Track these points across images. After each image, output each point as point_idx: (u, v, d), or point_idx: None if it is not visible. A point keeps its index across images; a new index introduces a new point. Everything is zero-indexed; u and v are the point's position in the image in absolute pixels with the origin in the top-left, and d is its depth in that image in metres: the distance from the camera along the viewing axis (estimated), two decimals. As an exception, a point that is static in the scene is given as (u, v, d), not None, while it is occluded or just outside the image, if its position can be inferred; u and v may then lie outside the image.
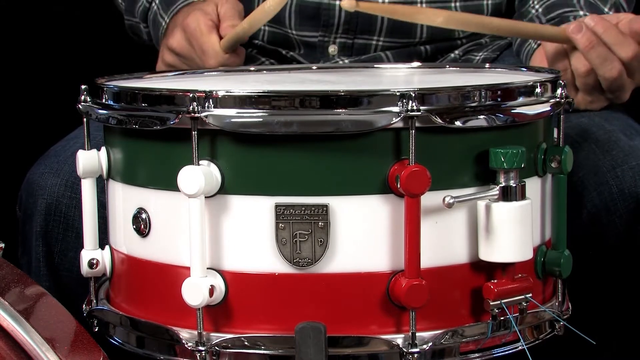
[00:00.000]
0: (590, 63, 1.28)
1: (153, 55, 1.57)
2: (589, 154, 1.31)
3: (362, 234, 0.97)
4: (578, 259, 1.09)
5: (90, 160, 1.08)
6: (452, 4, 1.54)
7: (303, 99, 0.95)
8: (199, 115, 0.95)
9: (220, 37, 1.42)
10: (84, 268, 1.10)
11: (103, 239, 1.11)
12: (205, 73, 1.30)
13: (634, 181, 1.27)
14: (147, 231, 1.03)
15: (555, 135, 1.07)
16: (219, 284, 0.98)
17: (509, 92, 1.00)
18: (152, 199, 1.03)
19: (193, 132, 0.96)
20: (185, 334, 0.99)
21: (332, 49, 1.55)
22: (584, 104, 1.35)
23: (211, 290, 0.97)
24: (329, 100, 0.94)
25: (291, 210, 0.96)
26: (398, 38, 1.54)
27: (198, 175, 0.95)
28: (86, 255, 1.10)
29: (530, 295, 1.01)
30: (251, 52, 1.61)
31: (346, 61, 1.55)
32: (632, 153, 1.29)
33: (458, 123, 0.96)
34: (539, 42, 1.41)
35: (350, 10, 1.19)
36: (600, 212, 1.29)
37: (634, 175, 1.27)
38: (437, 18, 1.23)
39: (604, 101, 1.35)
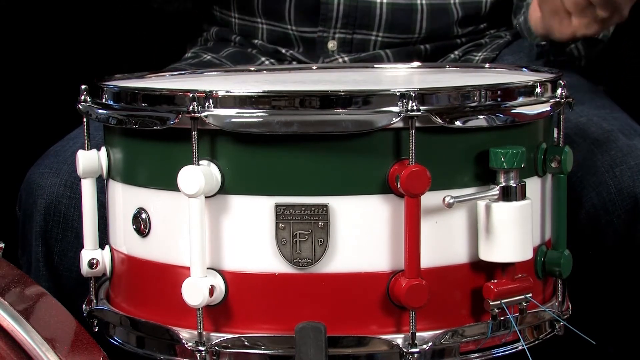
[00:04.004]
0: None
1: (153, 55, 1.57)
2: (587, 154, 1.31)
3: (362, 234, 0.97)
4: (577, 258, 1.09)
5: (90, 160, 1.08)
6: (451, 1, 1.54)
7: (303, 99, 0.95)
8: (199, 115, 0.95)
9: None
10: (84, 268, 1.10)
11: (103, 239, 1.11)
12: (205, 73, 1.30)
13: (632, 181, 1.27)
14: (147, 231, 1.03)
15: (555, 135, 1.07)
16: (219, 284, 0.98)
17: (509, 92, 1.00)
18: (152, 199, 1.03)
19: (193, 132, 0.96)
20: (185, 334, 0.99)
21: (332, 45, 1.55)
22: (581, 29, 1.29)
23: (211, 290, 0.97)
24: (329, 100, 0.94)
25: (291, 210, 0.96)
26: (397, 34, 1.54)
27: (198, 175, 0.95)
28: (86, 255, 1.10)
29: (530, 295, 1.01)
30: (251, 51, 1.61)
31: (346, 58, 1.55)
32: (631, 153, 1.29)
33: (458, 123, 0.96)
34: None
35: None
36: (598, 212, 1.29)
37: (633, 175, 1.27)
38: None
39: (599, 23, 1.28)
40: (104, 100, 1.05)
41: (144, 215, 1.03)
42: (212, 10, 1.67)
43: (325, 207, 0.96)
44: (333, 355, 0.95)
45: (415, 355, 0.96)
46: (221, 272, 0.98)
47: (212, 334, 0.99)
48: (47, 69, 1.95)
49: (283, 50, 1.59)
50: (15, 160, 1.54)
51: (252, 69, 1.35)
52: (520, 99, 1.01)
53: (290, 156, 0.96)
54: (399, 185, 0.94)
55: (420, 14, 1.53)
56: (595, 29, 1.30)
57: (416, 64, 1.36)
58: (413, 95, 0.94)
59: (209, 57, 1.61)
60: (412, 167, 0.94)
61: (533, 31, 1.39)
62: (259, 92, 0.96)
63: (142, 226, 1.03)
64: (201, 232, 0.96)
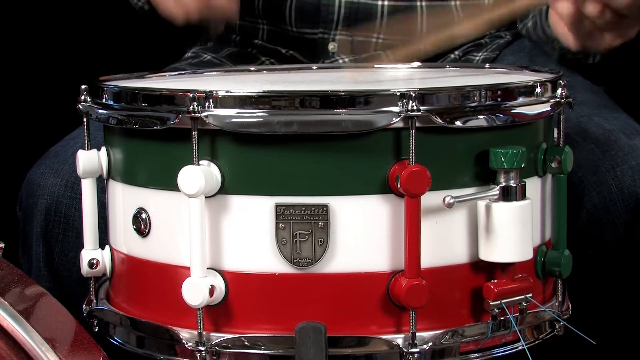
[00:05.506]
0: (603, 1, 1.21)
1: (153, 55, 1.57)
2: (589, 154, 1.31)
3: (362, 234, 0.97)
4: (578, 259, 1.09)
5: (90, 160, 1.08)
6: (452, 2, 1.54)
7: (303, 99, 0.95)
8: (199, 115, 0.95)
9: None
10: (84, 268, 1.10)
11: (103, 239, 1.11)
12: (205, 73, 1.30)
13: (634, 181, 1.27)
14: (147, 231, 1.03)
15: (555, 135, 1.07)
16: (219, 284, 0.98)
17: (509, 92, 1.00)
18: (152, 199, 1.03)
19: (193, 132, 0.96)
20: (185, 334, 0.99)
21: (332, 46, 1.55)
22: (617, 40, 1.29)
23: (211, 290, 0.97)
24: (329, 100, 0.94)
25: (291, 210, 0.96)
26: (398, 35, 1.54)
27: (198, 175, 0.95)
28: (86, 255, 1.10)
29: (530, 295, 1.01)
30: (251, 51, 1.61)
31: (346, 59, 1.55)
32: (632, 152, 1.29)
33: (458, 123, 0.96)
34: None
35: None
36: (599, 212, 1.29)
37: (634, 174, 1.28)
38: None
39: (634, 25, 1.27)
40: (104, 100, 1.05)
41: (144, 215, 1.03)
42: None
43: (325, 207, 0.96)
44: (333, 355, 0.95)
45: (415, 355, 0.96)
46: (221, 272, 0.98)
47: (212, 334, 0.99)
48: (47, 69, 1.95)
49: (283, 51, 1.59)
50: (16, 160, 1.54)
51: (252, 69, 1.35)
52: (521, 99, 1.01)
53: (290, 156, 0.96)
54: (399, 185, 0.94)
55: (421, 16, 1.53)
56: (630, 34, 1.29)
57: (416, 64, 1.36)
58: (413, 95, 0.94)
59: (209, 57, 1.61)
60: (412, 167, 0.94)
61: (564, 45, 1.37)
62: (259, 92, 0.96)
63: (142, 226, 1.03)
64: (201, 232, 0.96)
